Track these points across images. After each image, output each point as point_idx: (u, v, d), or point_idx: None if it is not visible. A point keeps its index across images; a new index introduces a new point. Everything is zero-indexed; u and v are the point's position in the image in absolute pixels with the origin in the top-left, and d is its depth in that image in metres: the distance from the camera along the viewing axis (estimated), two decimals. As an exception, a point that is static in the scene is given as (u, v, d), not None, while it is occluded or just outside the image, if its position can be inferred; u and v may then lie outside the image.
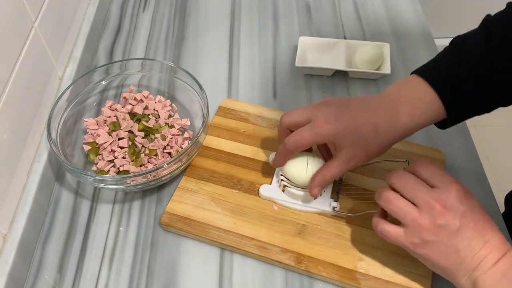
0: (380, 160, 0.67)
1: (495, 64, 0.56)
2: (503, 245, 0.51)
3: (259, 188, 0.68)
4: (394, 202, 0.54)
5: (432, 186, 0.53)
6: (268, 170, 0.71)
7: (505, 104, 0.60)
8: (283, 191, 0.67)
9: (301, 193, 0.66)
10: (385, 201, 0.55)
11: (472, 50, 0.57)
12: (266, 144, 0.74)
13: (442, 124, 0.61)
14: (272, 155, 0.70)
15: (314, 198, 0.65)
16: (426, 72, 0.59)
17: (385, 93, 0.60)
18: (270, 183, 0.69)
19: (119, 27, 0.97)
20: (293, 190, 0.66)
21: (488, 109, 0.61)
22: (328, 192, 0.67)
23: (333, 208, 0.65)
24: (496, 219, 0.67)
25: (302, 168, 0.64)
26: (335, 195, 0.67)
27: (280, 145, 0.63)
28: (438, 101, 0.57)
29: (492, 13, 0.60)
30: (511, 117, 1.92)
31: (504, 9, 0.60)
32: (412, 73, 0.60)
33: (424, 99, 0.58)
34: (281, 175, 0.67)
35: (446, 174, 0.54)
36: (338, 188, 0.68)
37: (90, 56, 0.90)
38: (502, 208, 0.71)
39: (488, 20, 0.59)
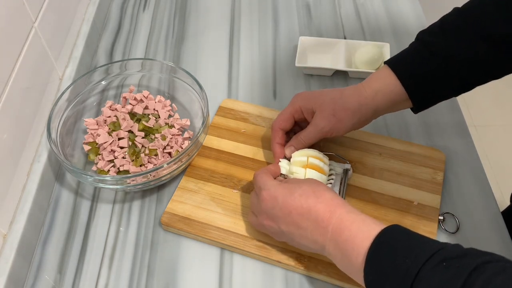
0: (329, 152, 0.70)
1: (449, 54, 0.61)
2: (326, 211, 0.54)
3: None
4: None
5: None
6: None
7: (466, 89, 0.65)
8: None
9: None
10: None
11: (431, 40, 0.63)
12: (266, 144, 0.74)
13: (414, 105, 0.66)
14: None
15: (285, 157, 0.68)
16: (392, 61, 0.65)
17: None
18: None
19: (119, 27, 0.97)
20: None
21: (450, 95, 0.66)
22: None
23: None
24: (496, 219, 0.67)
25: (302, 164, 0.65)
26: (342, 195, 0.67)
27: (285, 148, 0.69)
28: (399, 84, 0.63)
29: None
30: (511, 117, 1.92)
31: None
32: (384, 63, 0.66)
33: (387, 80, 0.64)
34: (281, 173, 0.67)
35: (259, 180, 0.61)
36: (344, 188, 0.67)
37: (90, 56, 0.90)
38: (502, 208, 0.71)
39: (446, 15, 0.65)
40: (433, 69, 0.62)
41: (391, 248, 0.48)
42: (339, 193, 0.67)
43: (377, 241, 0.49)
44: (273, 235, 0.60)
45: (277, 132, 0.69)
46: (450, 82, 0.63)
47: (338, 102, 0.66)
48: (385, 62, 0.66)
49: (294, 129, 0.71)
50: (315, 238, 0.55)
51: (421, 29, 0.65)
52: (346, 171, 0.68)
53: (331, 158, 0.70)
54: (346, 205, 0.55)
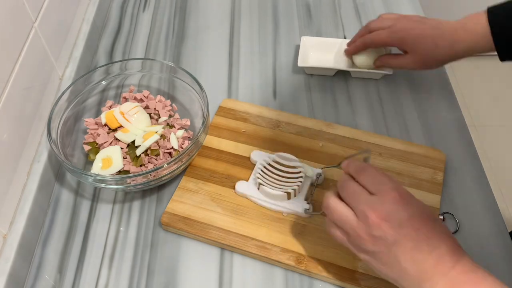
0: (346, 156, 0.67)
1: None
2: (453, 253, 0.47)
3: (234, 185, 0.68)
4: (334, 211, 0.52)
5: (372, 193, 0.50)
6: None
7: None
8: (258, 189, 0.67)
9: (275, 192, 0.66)
10: (326, 209, 0.53)
11: None
12: (266, 144, 0.74)
13: (500, 56, 0.70)
14: (254, 153, 0.71)
15: (350, 52, 0.82)
16: (492, 7, 0.69)
17: (452, 20, 0.72)
18: (248, 180, 0.69)
19: (119, 27, 0.97)
20: (267, 188, 0.66)
21: None
22: (302, 195, 0.67)
23: (305, 210, 0.65)
24: (496, 219, 0.67)
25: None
26: (309, 199, 0.67)
27: (358, 39, 0.79)
28: (490, 34, 0.67)
29: None
30: (511, 117, 1.92)
31: None
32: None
33: (480, 31, 0.68)
34: (258, 173, 0.68)
35: (385, 179, 0.51)
36: (312, 191, 0.68)
37: (90, 56, 0.90)
38: (502, 208, 0.71)
39: None
40: None
41: None
42: (307, 196, 0.67)
43: None
44: (367, 241, 0.49)
45: (365, 30, 0.79)
46: None
47: (430, 54, 0.73)
48: (488, 9, 0.68)
49: None
50: (425, 266, 0.47)
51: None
52: (318, 176, 0.69)
53: (303, 161, 0.70)
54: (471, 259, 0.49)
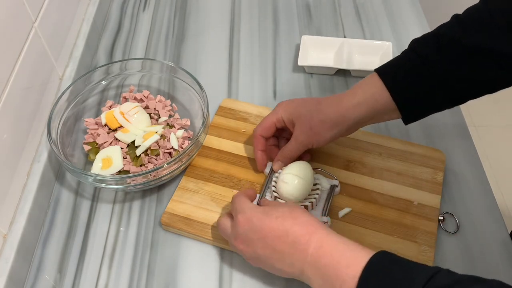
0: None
1: (443, 64, 0.59)
2: (302, 237, 0.52)
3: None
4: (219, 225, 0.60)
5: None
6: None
7: (459, 102, 0.63)
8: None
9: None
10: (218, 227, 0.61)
11: (426, 52, 0.60)
12: (266, 144, 0.74)
13: (404, 117, 0.63)
14: (268, 165, 0.70)
15: (274, 170, 0.68)
16: (381, 68, 0.63)
17: None
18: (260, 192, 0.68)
19: (119, 27, 0.97)
20: (283, 202, 0.64)
21: (440, 107, 0.64)
22: (319, 207, 0.66)
23: (324, 223, 0.62)
24: (496, 219, 0.67)
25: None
26: (325, 211, 0.65)
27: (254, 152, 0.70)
28: (386, 93, 0.61)
29: None
30: (511, 117, 1.92)
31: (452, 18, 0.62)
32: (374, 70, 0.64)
33: (373, 89, 0.61)
34: (273, 185, 0.66)
35: (236, 203, 0.58)
36: (328, 204, 0.66)
37: (90, 56, 0.90)
38: (502, 208, 0.71)
39: (444, 24, 0.62)
40: (425, 80, 0.59)
41: (383, 281, 0.46)
42: (323, 209, 0.65)
43: (367, 274, 0.46)
44: (249, 260, 0.57)
45: (259, 139, 0.68)
46: (442, 95, 0.60)
47: (314, 114, 0.63)
48: (375, 70, 0.63)
49: (282, 134, 0.71)
50: (292, 262, 0.52)
51: (421, 29, 0.65)
52: (333, 188, 0.67)
53: (319, 172, 0.69)
54: (325, 227, 0.53)
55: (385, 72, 0.62)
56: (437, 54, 0.59)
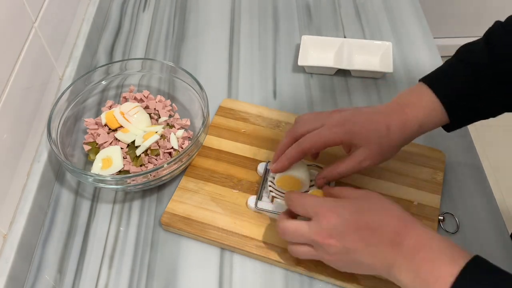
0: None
1: (495, 74, 0.59)
2: (400, 231, 0.50)
3: (247, 201, 0.67)
4: (288, 230, 0.56)
5: (309, 218, 0.55)
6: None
7: (508, 109, 0.62)
8: (272, 201, 0.66)
9: None
10: (283, 235, 0.57)
11: (475, 59, 0.60)
12: (266, 144, 0.74)
13: (447, 127, 0.63)
14: (262, 165, 0.69)
15: (318, 187, 0.65)
16: (430, 79, 0.62)
17: (392, 100, 0.63)
18: (256, 194, 0.67)
19: (119, 27, 0.97)
20: (282, 201, 0.64)
21: (490, 115, 0.63)
22: None
23: None
24: (496, 219, 0.67)
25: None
26: None
27: (289, 148, 0.62)
28: (441, 107, 0.60)
29: (491, 14, 0.60)
30: (511, 117, 1.92)
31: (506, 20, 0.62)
32: (419, 81, 0.63)
33: (429, 105, 0.60)
34: (270, 185, 0.66)
35: (309, 202, 0.55)
36: None
37: (90, 56, 0.90)
38: (502, 209, 0.71)
39: (491, 31, 0.61)
40: (475, 88, 0.59)
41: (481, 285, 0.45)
42: None
43: (466, 276, 0.45)
44: (333, 258, 0.54)
45: (301, 152, 0.62)
46: (492, 103, 0.60)
47: (384, 141, 0.60)
48: (422, 81, 0.62)
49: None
50: (384, 255, 0.50)
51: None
52: (328, 183, 0.67)
53: (313, 167, 0.69)
54: (419, 221, 0.51)
55: (439, 87, 0.61)
56: (487, 59, 0.59)
